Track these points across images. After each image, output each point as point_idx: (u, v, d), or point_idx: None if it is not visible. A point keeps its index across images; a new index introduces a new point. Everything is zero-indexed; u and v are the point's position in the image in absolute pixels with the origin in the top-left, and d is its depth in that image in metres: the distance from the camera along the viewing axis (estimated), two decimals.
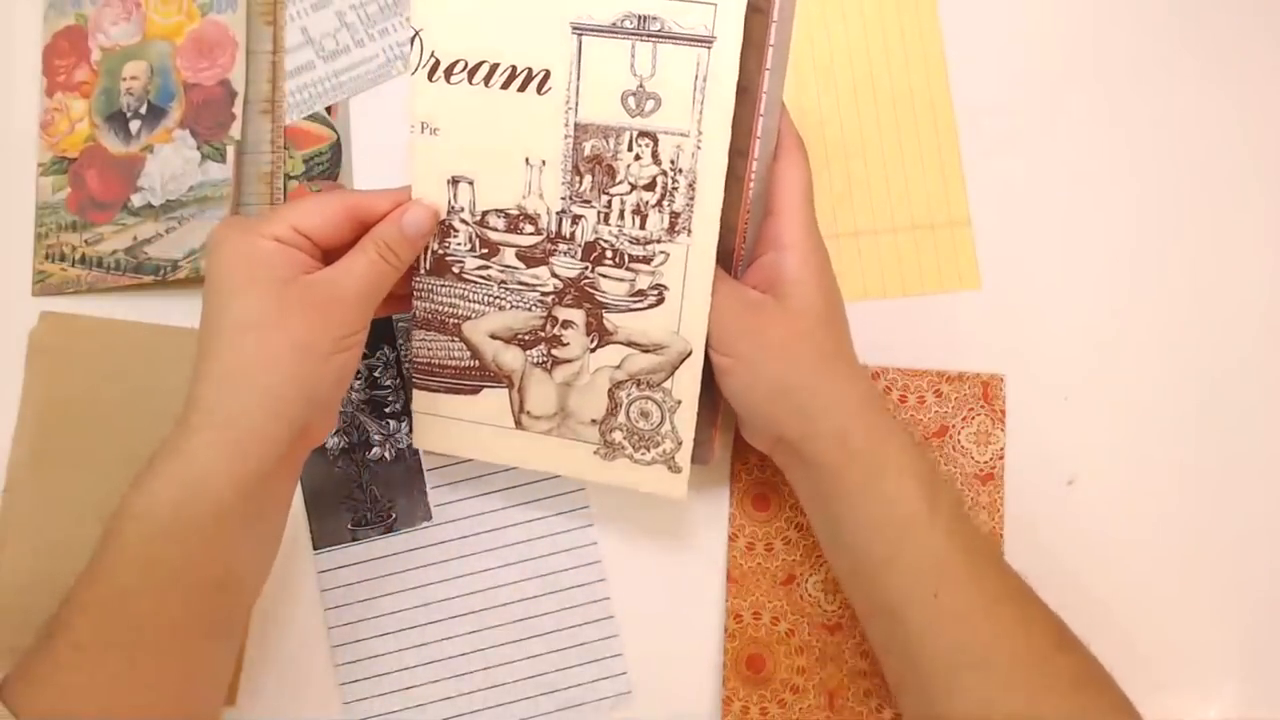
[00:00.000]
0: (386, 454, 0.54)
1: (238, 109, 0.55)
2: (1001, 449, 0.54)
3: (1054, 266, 0.55)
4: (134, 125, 0.56)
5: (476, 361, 0.49)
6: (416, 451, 0.54)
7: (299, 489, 0.54)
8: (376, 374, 0.55)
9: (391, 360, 0.55)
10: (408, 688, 0.53)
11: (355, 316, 0.43)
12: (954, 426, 0.54)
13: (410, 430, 0.52)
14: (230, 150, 0.55)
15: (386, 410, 0.55)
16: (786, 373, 0.44)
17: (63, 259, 0.56)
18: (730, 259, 0.46)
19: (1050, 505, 0.54)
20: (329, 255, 0.45)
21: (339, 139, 0.57)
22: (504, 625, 0.53)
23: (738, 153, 0.44)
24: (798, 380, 0.44)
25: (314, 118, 0.57)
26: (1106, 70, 0.57)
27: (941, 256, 0.56)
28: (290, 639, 0.53)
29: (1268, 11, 0.56)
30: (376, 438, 0.54)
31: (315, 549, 0.54)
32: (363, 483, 0.54)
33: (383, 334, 0.55)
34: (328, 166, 0.56)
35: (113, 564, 0.41)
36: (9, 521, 0.53)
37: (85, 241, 0.56)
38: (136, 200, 0.56)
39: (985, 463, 0.54)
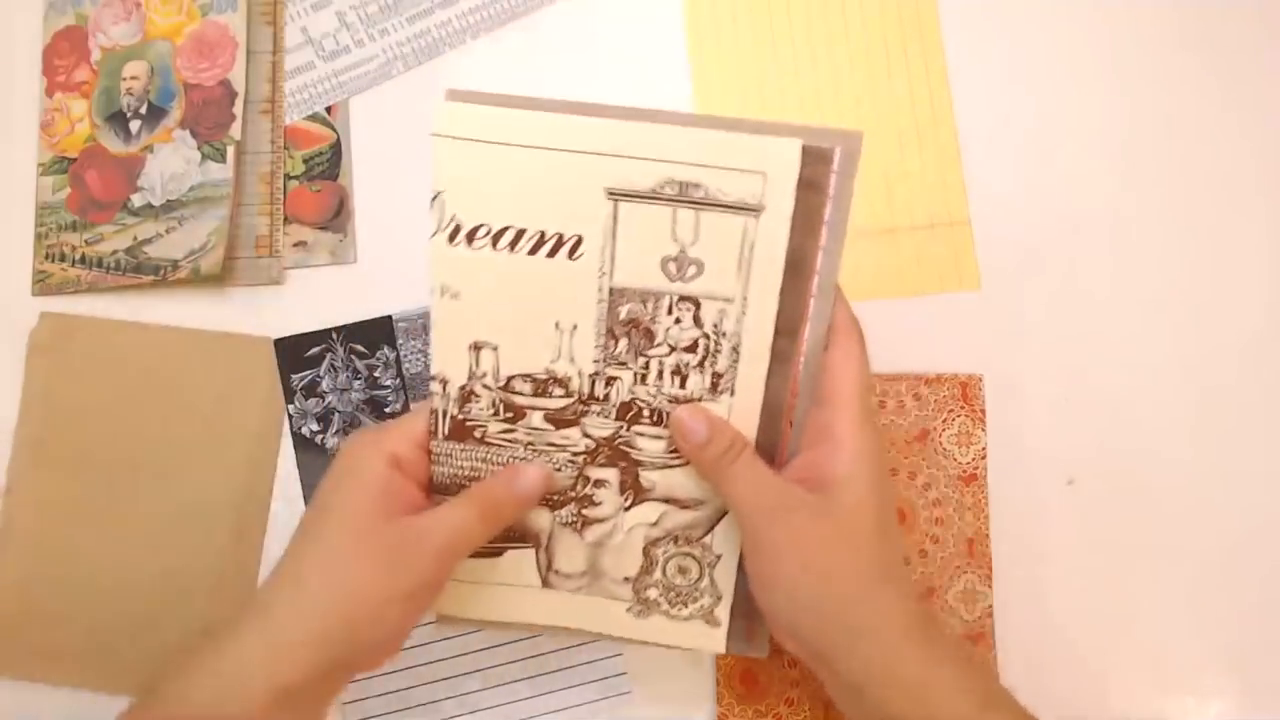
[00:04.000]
0: None
1: (238, 109, 0.56)
2: (984, 449, 0.54)
3: (1053, 267, 0.55)
4: (134, 125, 0.56)
5: None
6: None
7: (298, 490, 0.54)
8: (376, 374, 0.55)
9: (391, 360, 0.55)
10: (406, 688, 0.53)
11: (434, 571, 0.41)
12: (935, 429, 0.54)
13: None
14: (230, 150, 0.55)
15: (386, 410, 0.55)
16: (826, 593, 0.40)
17: (63, 259, 0.56)
18: (776, 447, 0.43)
19: (1050, 505, 0.54)
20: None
21: (339, 139, 0.57)
22: None
23: (787, 334, 0.41)
24: (838, 603, 0.40)
25: (314, 118, 0.57)
26: (1107, 71, 0.57)
27: (941, 257, 0.55)
28: None
29: (1268, 17, 0.56)
30: None
31: None
32: None
33: (383, 334, 0.55)
34: (328, 166, 0.56)
35: None
36: (10, 522, 0.53)
37: (85, 241, 0.56)
38: (136, 200, 0.56)
39: (968, 463, 0.54)
